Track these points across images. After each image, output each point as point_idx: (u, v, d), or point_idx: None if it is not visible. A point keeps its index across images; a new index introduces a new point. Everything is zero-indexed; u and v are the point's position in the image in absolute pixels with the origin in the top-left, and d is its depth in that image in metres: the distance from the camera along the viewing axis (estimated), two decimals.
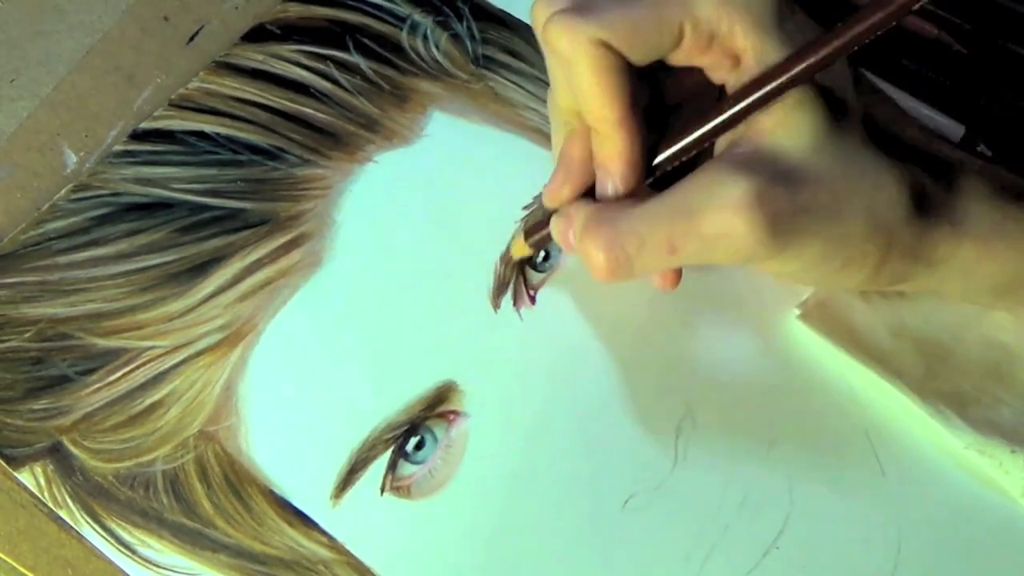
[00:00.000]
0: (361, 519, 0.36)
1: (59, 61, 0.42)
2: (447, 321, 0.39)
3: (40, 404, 0.37)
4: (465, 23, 0.44)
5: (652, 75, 0.34)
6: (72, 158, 0.41)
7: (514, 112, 0.43)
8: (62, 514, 0.36)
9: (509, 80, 0.43)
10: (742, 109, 0.32)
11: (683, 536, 0.37)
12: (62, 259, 0.39)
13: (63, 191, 0.40)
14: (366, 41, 0.43)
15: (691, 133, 0.33)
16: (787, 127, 0.32)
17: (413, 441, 0.37)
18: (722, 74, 0.33)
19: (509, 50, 0.44)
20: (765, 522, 0.37)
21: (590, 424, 0.38)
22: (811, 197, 0.32)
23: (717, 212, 0.31)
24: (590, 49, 0.32)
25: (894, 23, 0.30)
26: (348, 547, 0.36)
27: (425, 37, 0.43)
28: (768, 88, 0.32)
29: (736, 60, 0.32)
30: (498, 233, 0.40)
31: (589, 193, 0.35)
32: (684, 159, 0.34)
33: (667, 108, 0.35)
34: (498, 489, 0.37)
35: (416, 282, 0.40)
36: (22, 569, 0.36)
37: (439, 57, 0.43)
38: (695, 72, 0.34)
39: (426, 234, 0.40)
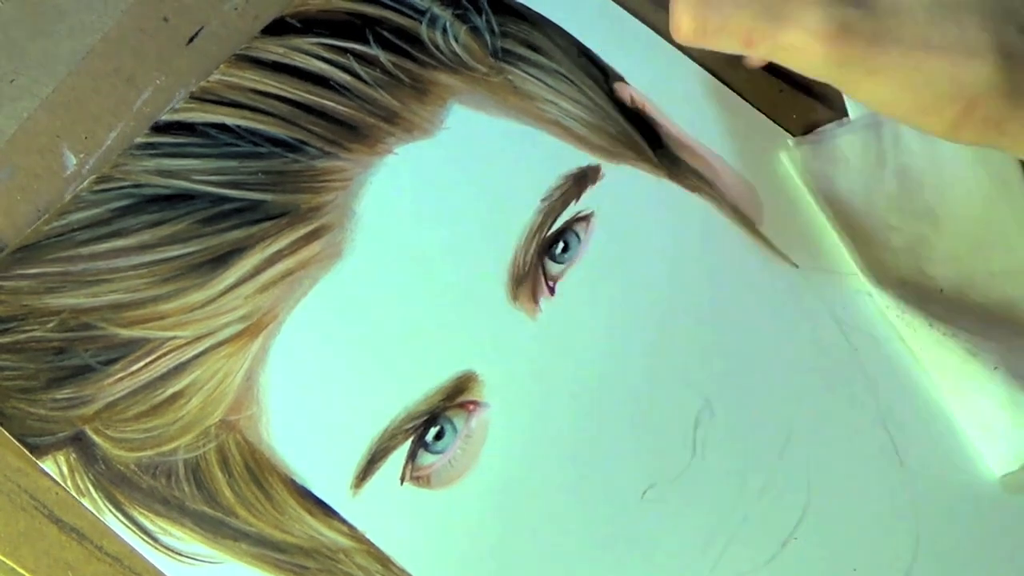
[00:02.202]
0: (381, 508, 0.37)
1: (59, 62, 0.42)
2: (467, 312, 0.39)
3: (63, 394, 0.37)
4: (484, 16, 0.44)
5: None
6: (72, 160, 0.41)
7: (533, 105, 0.43)
8: (85, 502, 0.36)
9: (528, 73, 0.43)
10: None
11: (701, 527, 0.37)
12: (85, 250, 0.39)
13: (86, 182, 0.40)
14: (386, 34, 0.43)
15: None
16: None
17: (433, 431, 0.38)
18: None
19: (528, 43, 0.44)
20: (783, 513, 0.38)
21: (609, 414, 0.38)
22: (896, 26, 0.33)
23: (795, 26, 0.33)
24: None
25: None
26: (368, 536, 0.36)
27: (444, 30, 0.44)
28: None
29: None
30: (516, 224, 0.40)
31: None
32: None
33: None
34: (517, 479, 0.37)
35: (436, 273, 0.40)
36: (23, 572, 0.36)
37: (458, 50, 0.43)
38: None
39: (445, 225, 0.41)
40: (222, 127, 0.41)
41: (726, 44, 0.36)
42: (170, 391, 0.37)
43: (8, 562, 0.36)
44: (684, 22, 0.36)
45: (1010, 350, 0.39)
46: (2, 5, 0.43)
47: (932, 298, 0.41)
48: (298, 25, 0.43)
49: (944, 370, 0.39)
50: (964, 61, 0.33)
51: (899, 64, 0.33)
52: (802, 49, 0.34)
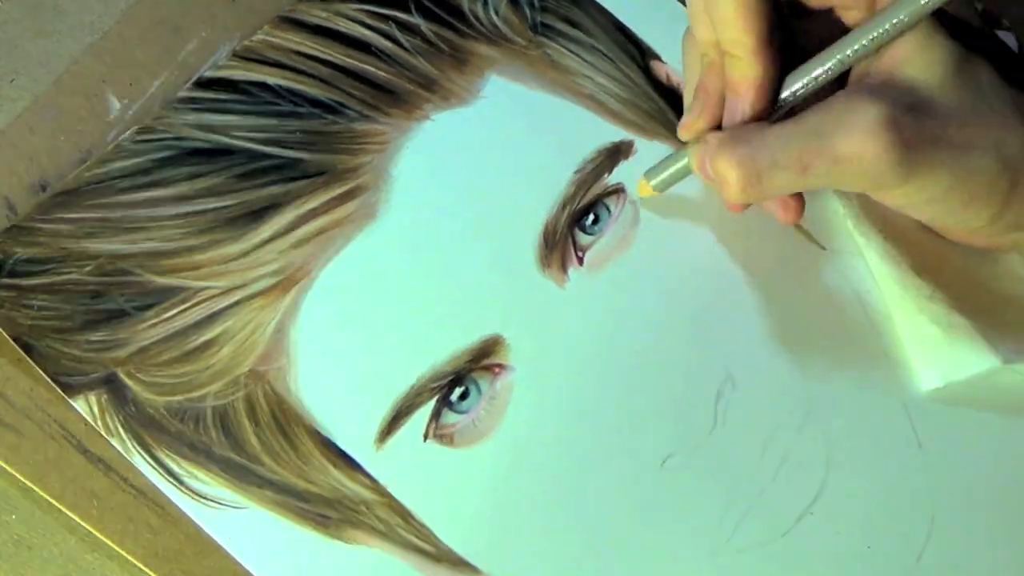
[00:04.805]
0: (404, 464, 0.37)
1: (59, 61, 0.42)
2: (496, 277, 0.40)
3: (97, 336, 0.38)
4: None
5: (786, 23, 0.36)
6: (116, 105, 0.41)
7: (570, 79, 0.43)
8: (114, 442, 0.37)
9: (566, 48, 0.44)
10: (875, 38, 0.33)
11: (718, 498, 0.38)
12: (124, 198, 0.40)
13: (128, 132, 0.40)
14: (427, 3, 0.44)
15: (823, 61, 0.35)
16: (919, 60, 0.33)
17: (458, 391, 0.38)
18: (856, 14, 0.34)
19: (567, 19, 0.44)
20: (800, 488, 0.38)
21: (631, 383, 0.39)
22: (941, 129, 0.33)
23: (850, 134, 0.32)
24: None
25: None
26: (390, 490, 0.37)
27: (485, 3, 0.44)
28: (901, 16, 0.33)
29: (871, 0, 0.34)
30: (548, 194, 0.41)
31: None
32: (814, 88, 0.35)
33: (799, 55, 0.36)
34: (539, 442, 0.38)
35: (467, 238, 0.40)
36: (48, 498, 0.37)
37: (498, 22, 0.44)
38: (828, 19, 0.35)
39: (479, 192, 0.41)
40: (263, 86, 0.42)
41: (781, 181, 0.34)
42: (202, 339, 0.38)
43: (35, 488, 0.36)
44: (732, 175, 0.34)
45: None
46: (2, 5, 0.43)
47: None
48: None
49: (891, 284, 0.40)
50: (1008, 132, 0.34)
51: (951, 158, 0.33)
52: (859, 154, 0.32)
